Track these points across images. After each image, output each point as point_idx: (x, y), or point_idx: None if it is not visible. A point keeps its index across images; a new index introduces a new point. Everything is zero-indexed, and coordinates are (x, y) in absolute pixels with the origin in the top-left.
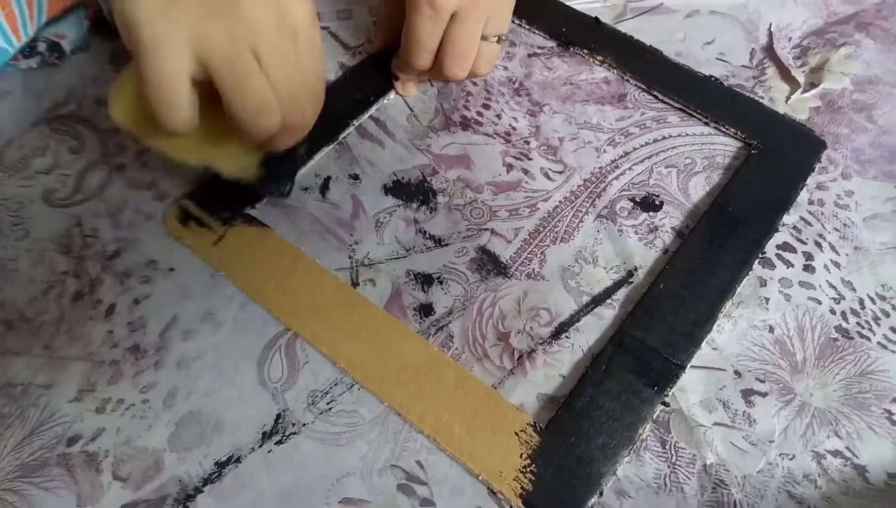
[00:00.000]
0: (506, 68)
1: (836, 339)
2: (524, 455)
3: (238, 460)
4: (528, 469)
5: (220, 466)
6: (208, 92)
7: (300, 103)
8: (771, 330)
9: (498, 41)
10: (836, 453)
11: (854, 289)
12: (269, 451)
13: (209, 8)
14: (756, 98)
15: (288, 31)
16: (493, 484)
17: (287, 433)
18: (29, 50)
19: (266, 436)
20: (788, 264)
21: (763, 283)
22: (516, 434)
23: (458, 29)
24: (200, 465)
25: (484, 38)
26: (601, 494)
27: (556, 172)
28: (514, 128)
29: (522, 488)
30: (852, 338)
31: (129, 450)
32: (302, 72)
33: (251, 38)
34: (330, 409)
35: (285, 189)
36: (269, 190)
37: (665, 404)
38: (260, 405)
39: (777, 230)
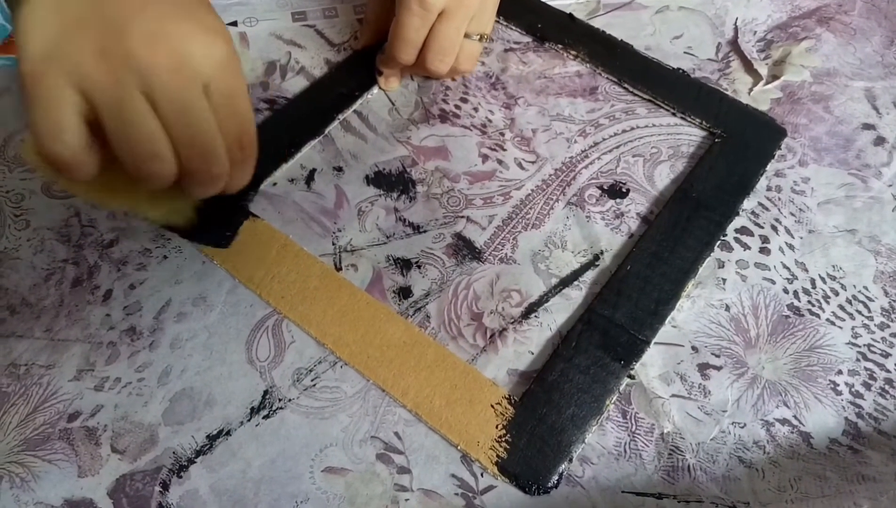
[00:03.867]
0: (483, 63)
1: (787, 317)
2: (499, 426)
3: (228, 433)
4: (503, 439)
5: (212, 439)
6: None
7: (208, 152)
8: (727, 308)
9: (480, 39)
10: (784, 421)
11: (806, 270)
12: (256, 425)
13: (100, 46)
14: (720, 89)
15: (190, 76)
16: (471, 453)
17: (274, 407)
18: None
19: (254, 411)
20: (746, 247)
21: (721, 265)
22: (492, 406)
23: (444, 26)
24: (193, 438)
25: (467, 35)
26: (571, 460)
27: (529, 162)
28: (490, 121)
29: (498, 456)
30: (803, 316)
31: (126, 425)
32: (208, 120)
33: (142, 81)
34: (314, 385)
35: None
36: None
37: (631, 377)
38: (248, 382)
39: (738, 213)
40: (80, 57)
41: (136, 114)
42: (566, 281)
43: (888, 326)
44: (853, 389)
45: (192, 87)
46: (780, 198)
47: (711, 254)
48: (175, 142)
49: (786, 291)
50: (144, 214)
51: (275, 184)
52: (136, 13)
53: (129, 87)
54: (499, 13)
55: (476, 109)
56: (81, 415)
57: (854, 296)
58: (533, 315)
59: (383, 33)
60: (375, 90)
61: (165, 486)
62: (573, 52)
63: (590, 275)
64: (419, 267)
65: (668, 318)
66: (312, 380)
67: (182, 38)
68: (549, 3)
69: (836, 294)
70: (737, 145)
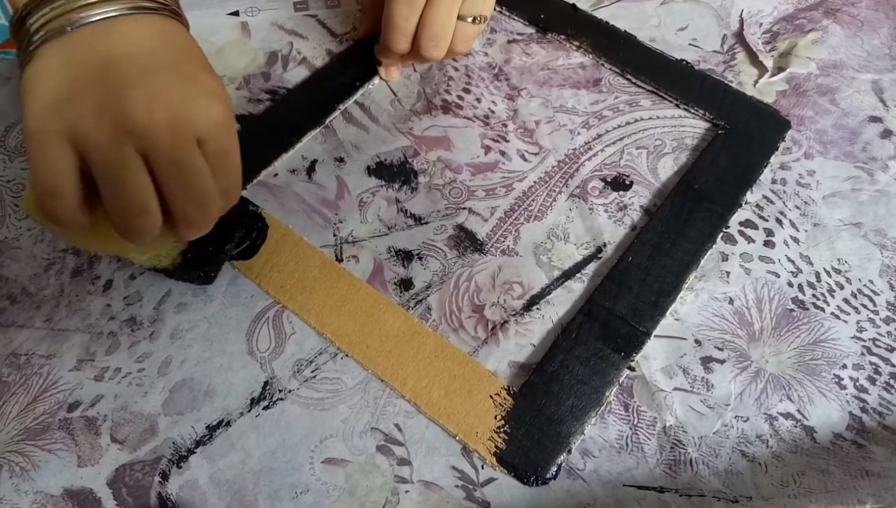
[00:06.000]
0: (486, 54)
1: (792, 310)
2: (498, 417)
3: (228, 423)
4: (501, 430)
5: (211, 429)
6: None
7: (204, 201)
8: (731, 301)
9: (474, 21)
10: (787, 415)
11: (811, 263)
12: (256, 415)
13: (100, 105)
14: (725, 81)
15: (185, 135)
16: (470, 444)
17: (274, 398)
18: None
19: (254, 402)
20: (750, 240)
21: (725, 258)
22: (491, 397)
23: (434, 11)
24: (193, 428)
25: (461, 18)
26: (570, 452)
27: (532, 154)
28: (492, 112)
29: (496, 447)
30: (807, 309)
31: (126, 415)
32: (202, 172)
33: (138, 141)
34: (314, 377)
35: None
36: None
37: (631, 369)
38: (248, 373)
39: (741, 206)
40: (80, 115)
41: (127, 173)
42: (568, 274)
43: (894, 320)
44: (858, 383)
45: (186, 145)
46: (785, 191)
47: (714, 247)
48: (169, 195)
49: (790, 284)
50: (132, 259)
51: (276, 174)
52: (139, 76)
53: (123, 147)
54: (502, 3)
55: (479, 100)
56: (81, 405)
57: (859, 290)
58: (535, 307)
59: (381, 21)
60: (377, 80)
61: (165, 476)
62: (576, 43)
63: (592, 268)
64: (420, 258)
65: (671, 311)
66: (313, 371)
67: (181, 100)
68: None
69: (842, 287)
70: (740, 137)
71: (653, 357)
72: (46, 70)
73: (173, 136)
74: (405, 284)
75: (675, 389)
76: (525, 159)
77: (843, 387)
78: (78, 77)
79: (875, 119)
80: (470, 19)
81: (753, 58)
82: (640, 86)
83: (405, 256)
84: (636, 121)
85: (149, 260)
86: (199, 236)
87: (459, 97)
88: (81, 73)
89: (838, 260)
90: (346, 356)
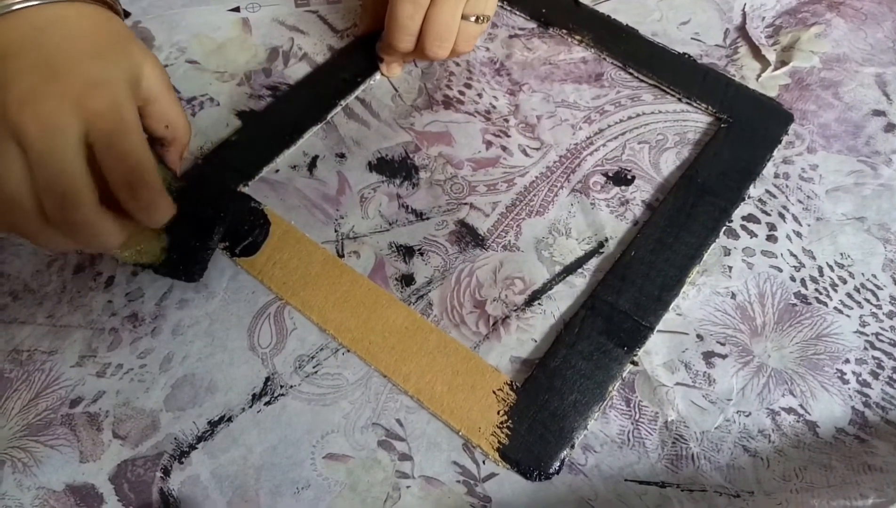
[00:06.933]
0: (487, 49)
1: (794, 305)
2: (501, 412)
3: (229, 419)
4: (504, 425)
5: (213, 425)
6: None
7: (65, 199)
8: (733, 296)
9: (477, 21)
10: (789, 410)
11: (814, 258)
12: (258, 411)
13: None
14: (728, 75)
15: (55, 131)
16: (472, 439)
17: (275, 394)
18: None
19: (256, 397)
20: (752, 234)
21: (727, 253)
22: (494, 392)
23: (439, 11)
24: (194, 424)
25: (465, 17)
26: (573, 447)
27: (534, 149)
28: (494, 107)
29: (499, 442)
30: (810, 304)
31: (128, 411)
32: (65, 169)
33: (15, 140)
34: (316, 372)
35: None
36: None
37: (634, 363)
38: (250, 368)
39: (744, 199)
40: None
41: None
42: (570, 269)
43: None
44: (860, 378)
45: (57, 140)
46: (787, 186)
47: (717, 242)
48: (39, 192)
49: (793, 279)
50: (115, 255)
51: (277, 170)
52: (15, 77)
53: (4, 144)
54: None
55: (480, 95)
56: (83, 401)
57: (862, 285)
58: (536, 302)
59: (382, 19)
60: (378, 76)
61: (167, 472)
62: (578, 38)
63: (594, 263)
64: (422, 254)
65: (673, 306)
66: (314, 367)
67: (54, 96)
68: None
69: (844, 282)
70: (743, 130)
71: (654, 352)
72: None
73: (42, 133)
74: (406, 280)
75: (677, 384)
76: (526, 154)
77: (846, 382)
78: None
79: (878, 113)
80: (473, 19)
81: (756, 52)
82: (642, 81)
83: (406, 252)
84: (638, 115)
85: (131, 256)
86: (85, 244)
87: (461, 92)
88: None
89: (841, 254)
90: (348, 351)
